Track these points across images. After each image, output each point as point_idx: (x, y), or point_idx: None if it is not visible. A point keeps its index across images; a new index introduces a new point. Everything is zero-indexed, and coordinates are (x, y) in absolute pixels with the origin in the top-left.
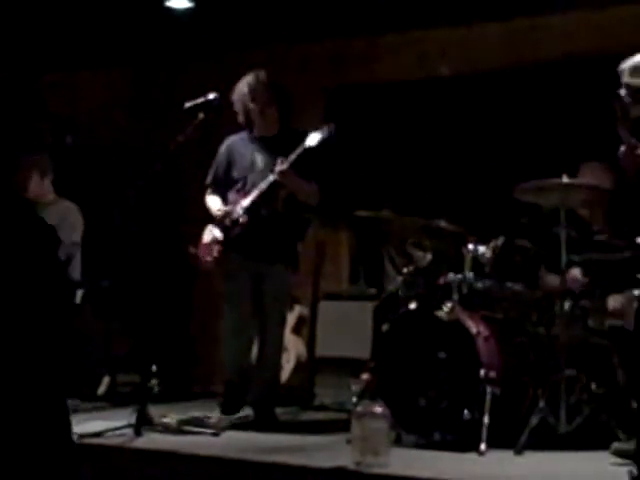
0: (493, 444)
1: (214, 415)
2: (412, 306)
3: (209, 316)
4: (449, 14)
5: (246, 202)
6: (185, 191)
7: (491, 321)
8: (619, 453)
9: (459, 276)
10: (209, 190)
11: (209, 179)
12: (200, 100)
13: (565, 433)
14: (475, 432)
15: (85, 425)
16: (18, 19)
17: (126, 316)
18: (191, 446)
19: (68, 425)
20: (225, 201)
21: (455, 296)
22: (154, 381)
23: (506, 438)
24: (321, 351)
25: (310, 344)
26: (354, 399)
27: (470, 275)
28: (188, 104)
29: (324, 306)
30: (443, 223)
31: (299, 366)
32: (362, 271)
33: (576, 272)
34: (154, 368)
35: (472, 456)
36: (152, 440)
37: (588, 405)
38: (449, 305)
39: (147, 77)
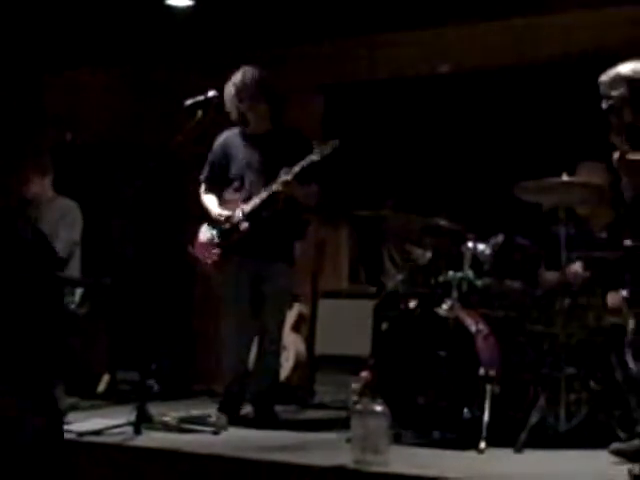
0: (493, 442)
1: (214, 413)
2: (412, 304)
3: (209, 314)
4: (449, 13)
5: (247, 208)
6: (185, 189)
7: (491, 319)
8: (618, 453)
9: (459, 274)
10: (204, 186)
11: (204, 175)
12: (200, 98)
13: (565, 431)
14: (475, 430)
15: (85, 423)
16: (18, 19)
17: (126, 314)
18: (191, 444)
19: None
20: (221, 199)
21: (455, 294)
22: (151, 380)
23: (506, 436)
24: (321, 349)
25: (310, 342)
26: (354, 397)
27: (470, 273)
28: (188, 102)
29: (324, 304)
30: (443, 221)
31: (299, 364)
32: (362, 269)
33: (577, 266)
34: (153, 366)
35: (472, 454)
36: (152, 438)
37: (587, 403)
38: (449, 303)
39: (147, 76)
